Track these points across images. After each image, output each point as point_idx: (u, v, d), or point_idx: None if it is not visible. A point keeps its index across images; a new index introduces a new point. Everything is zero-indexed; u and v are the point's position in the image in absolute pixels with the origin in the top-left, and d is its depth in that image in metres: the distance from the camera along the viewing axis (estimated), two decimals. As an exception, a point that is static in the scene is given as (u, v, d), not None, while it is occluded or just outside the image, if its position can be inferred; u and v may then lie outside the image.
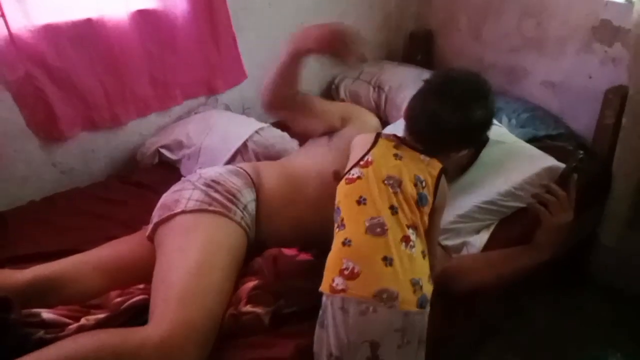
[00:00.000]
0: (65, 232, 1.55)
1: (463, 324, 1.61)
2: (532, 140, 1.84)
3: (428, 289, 1.06)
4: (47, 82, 1.67)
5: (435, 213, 1.17)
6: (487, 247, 1.57)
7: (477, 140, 1.34)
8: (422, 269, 1.07)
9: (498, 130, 1.65)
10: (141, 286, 1.23)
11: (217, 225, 1.27)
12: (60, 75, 1.70)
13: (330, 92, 2.41)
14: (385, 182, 1.12)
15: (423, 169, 1.16)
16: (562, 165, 1.66)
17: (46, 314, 1.12)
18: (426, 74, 2.20)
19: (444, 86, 1.22)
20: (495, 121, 1.60)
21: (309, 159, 1.50)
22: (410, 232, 1.08)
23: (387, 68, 2.30)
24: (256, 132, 1.87)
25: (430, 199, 1.14)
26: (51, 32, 1.65)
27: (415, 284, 1.03)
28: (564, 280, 1.94)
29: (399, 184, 1.12)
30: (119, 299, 1.18)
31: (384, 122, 2.10)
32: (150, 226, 1.31)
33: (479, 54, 2.31)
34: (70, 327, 1.10)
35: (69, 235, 1.54)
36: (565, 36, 2.00)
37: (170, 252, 1.21)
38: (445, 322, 1.52)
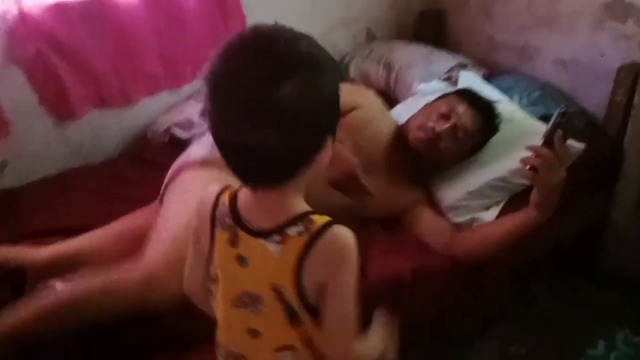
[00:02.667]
0: (77, 208, 1.57)
1: (470, 304, 1.62)
2: (543, 119, 1.83)
3: None
4: (58, 60, 1.69)
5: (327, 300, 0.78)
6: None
7: (319, 131, 0.75)
8: None
9: (509, 107, 1.64)
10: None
11: (217, 177, 1.29)
12: (71, 53, 1.71)
13: (340, 71, 2.40)
14: (239, 305, 0.82)
15: (277, 268, 0.77)
16: (574, 143, 1.65)
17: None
18: (437, 53, 2.21)
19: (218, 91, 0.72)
20: (506, 98, 1.60)
21: None
22: (284, 354, 0.83)
23: (397, 47, 2.29)
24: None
25: (298, 308, 0.78)
26: (61, 10, 1.66)
27: None
28: (572, 266, 1.93)
29: (259, 299, 0.80)
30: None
31: (393, 102, 2.09)
32: (162, 189, 1.34)
33: (490, 32, 2.29)
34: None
35: (81, 211, 1.56)
36: (577, 13, 1.97)
37: (169, 203, 1.27)
38: (450, 299, 1.54)
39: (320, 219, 0.76)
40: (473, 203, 1.58)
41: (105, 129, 1.91)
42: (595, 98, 1.97)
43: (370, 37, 2.49)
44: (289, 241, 0.75)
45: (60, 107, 1.76)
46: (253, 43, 0.70)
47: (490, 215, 1.59)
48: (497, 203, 1.62)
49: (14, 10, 1.57)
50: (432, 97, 1.68)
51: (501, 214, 1.59)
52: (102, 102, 1.84)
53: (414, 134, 1.54)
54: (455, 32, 2.45)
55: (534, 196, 1.30)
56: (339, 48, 2.40)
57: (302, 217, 0.76)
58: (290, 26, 0.73)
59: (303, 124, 0.70)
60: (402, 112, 1.78)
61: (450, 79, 2.05)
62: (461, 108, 1.53)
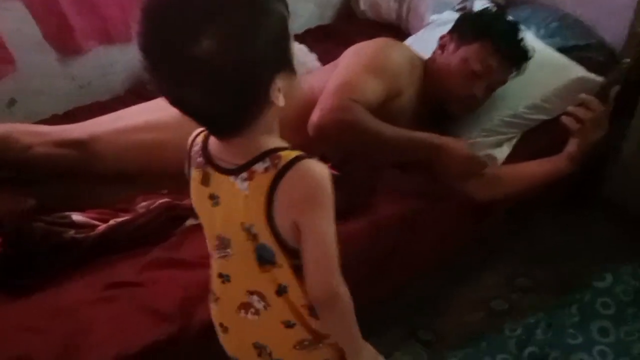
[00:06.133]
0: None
1: (473, 237, 1.64)
2: (560, 51, 1.77)
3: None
4: (60, -8, 1.64)
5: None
6: (509, 159, 1.57)
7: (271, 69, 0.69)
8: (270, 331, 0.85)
9: (526, 37, 1.58)
10: (164, 191, 1.27)
11: None
12: (73, -15, 1.66)
13: (349, 3, 2.32)
14: (213, 248, 0.83)
15: (247, 206, 0.74)
16: (592, 76, 1.60)
17: (76, 216, 1.18)
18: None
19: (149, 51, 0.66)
20: (524, 28, 1.54)
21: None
22: (253, 298, 0.82)
23: (409, -24, 2.19)
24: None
25: (275, 248, 0.76)
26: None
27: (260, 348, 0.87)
28: (574, 198, 1.91)
29: (228, 244, 0.80)
30: (144, 203, 1.23)
31: (405, 35, 2.03)
32: None
33: (508, -41, 2.17)
34: (99, 227, 1.15)
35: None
36: (602, -64, 1.87)
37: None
38: (454, 235, 1.55)
39: (288, 154, 0.72)
40: (486, 140, 1.55)
41: (111, 66, 1.89)
42: (615, 29, 1.89)
43: (381, -34, 2.39)
44: (256, 177, 0.72)
45: (64, 42, 1.73)
46: None
47: (502, 152, 1.57)
48: (509, 139, 1.60)
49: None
50: (445, 29, 1.61)
51: (514, 150, 1.58)
52: (107, 37, 1.81)
53: (455, 105, 1.47)
54: (471, -39, 2.34)
55: (571, 148, 1.27)
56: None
57: (269, 153, 0.72)
58: None
59: (228, 79, 0.64)
60: (415, 45, 1.72)
61: (464, 9, 1.97)
62: (495, 62, 1.42)
